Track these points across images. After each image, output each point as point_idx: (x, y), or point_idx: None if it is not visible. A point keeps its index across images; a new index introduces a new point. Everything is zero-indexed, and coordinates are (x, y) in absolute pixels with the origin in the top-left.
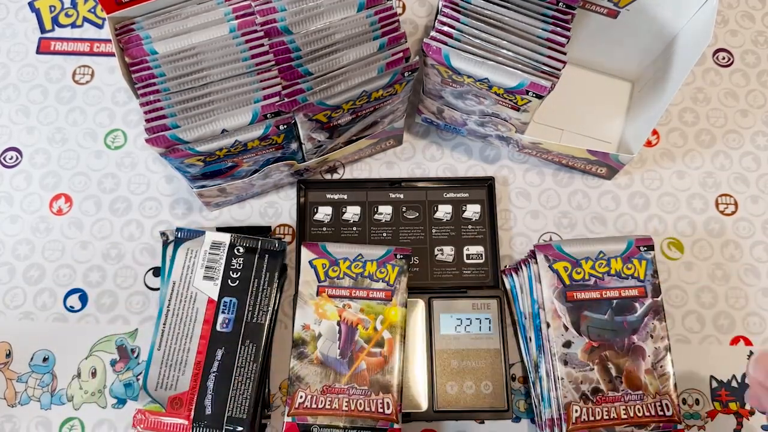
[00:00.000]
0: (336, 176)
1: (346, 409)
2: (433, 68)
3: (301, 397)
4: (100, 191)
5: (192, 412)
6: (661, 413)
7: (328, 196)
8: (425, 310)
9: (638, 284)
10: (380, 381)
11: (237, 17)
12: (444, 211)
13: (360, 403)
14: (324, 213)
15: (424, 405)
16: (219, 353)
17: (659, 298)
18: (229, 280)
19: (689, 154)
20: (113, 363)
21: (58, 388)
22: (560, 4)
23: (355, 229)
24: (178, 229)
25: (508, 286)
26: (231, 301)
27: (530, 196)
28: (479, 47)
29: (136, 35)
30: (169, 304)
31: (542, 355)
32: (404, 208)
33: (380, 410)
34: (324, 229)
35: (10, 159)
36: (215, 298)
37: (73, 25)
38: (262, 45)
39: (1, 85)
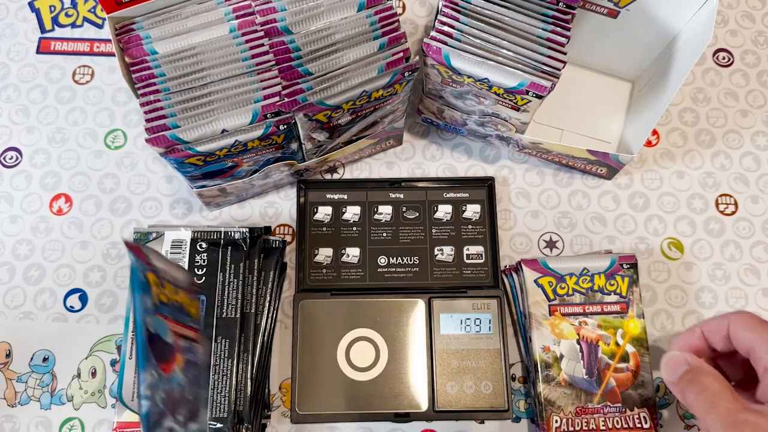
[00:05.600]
0: (336, 176)
1: (604, 428)
2: (433, 68)
3: (557, 421)
4: (100, 191)
5: None
6: (638, 426)
7: (328, 196)
8: (425, 310)
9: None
10: (632, 396)
11: (237, 17)
12: (444, 211)
13: (616, 420)
14: (324, 213)
15: (424, 405)
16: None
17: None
18: (195, 278)
19: (689, 154)
20: (113, 363)
21: (58, 388)
22: (560, 4)
23: (355, 229)
24: (151, 227)
25: (508, 286)
26: (199, 298)
27: (530, 196)
28: (479, 47)
29: (136, 35)
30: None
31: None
32: (404, 208)
33: (638, 425)
34: (324, 229)
35: (10, 159)
36: None
37: (73, 25)
38: (262, 45)
39: (1, 85)
